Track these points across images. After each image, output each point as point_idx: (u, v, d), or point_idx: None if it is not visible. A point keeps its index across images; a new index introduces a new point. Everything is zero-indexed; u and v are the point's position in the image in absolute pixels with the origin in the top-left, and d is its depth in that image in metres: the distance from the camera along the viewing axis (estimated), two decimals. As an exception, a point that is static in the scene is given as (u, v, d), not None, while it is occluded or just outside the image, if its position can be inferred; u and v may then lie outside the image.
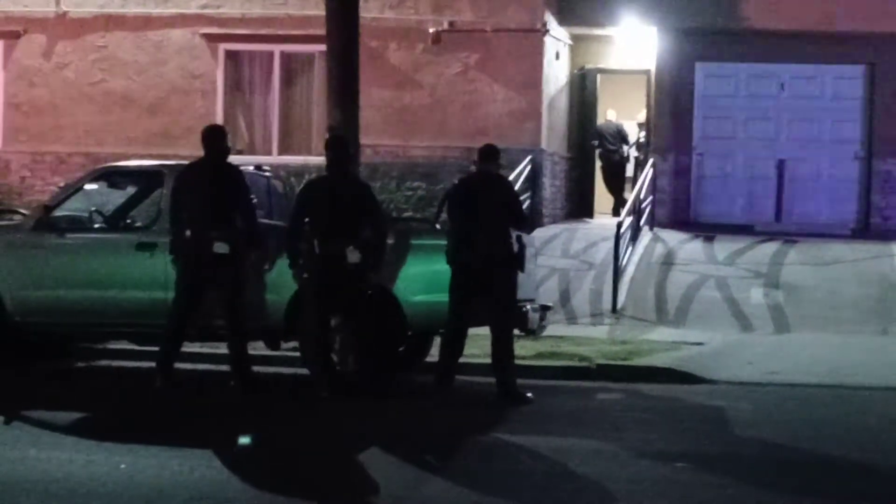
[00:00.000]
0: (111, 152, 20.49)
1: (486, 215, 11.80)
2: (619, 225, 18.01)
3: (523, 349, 13.61)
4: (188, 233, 11.93)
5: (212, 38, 21.78)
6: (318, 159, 12.24)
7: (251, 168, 13.78)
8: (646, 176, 21.15)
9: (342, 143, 12.34)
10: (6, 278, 13.03)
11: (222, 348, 12.64)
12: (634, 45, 23.11)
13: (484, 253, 11.74)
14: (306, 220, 11.90)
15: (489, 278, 11.78)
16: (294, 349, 12.95)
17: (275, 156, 21.29)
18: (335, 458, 9.31)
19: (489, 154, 12.21)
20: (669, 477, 8.72)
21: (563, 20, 22.29)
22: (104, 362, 14.22)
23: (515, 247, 11.94)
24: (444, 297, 11.92)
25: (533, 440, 9.94)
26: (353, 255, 11.70)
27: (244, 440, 8.92)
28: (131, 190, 14.13)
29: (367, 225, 11.84)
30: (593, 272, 18.62)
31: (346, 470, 8.97)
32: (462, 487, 8.32)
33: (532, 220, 18.71)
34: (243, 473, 8.56)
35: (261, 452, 9.43)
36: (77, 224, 13.42)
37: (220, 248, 11.88)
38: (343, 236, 11.70)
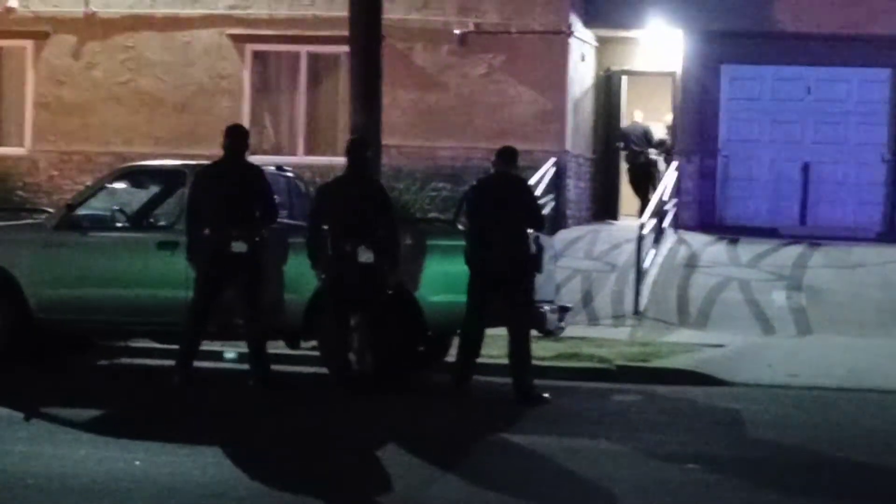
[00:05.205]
0: (139, 152, 20.55)
1: (503, 216, 11.84)
2: (642, 227, 18.01)
3: (543, 350, 13.64)
4: (206, 231, 12.02)
5: (239, 39, 21.87)
6: (344, 160, 12.32)
7: (272, 168, 13.87)
8: (670, 178, 21.12)
9: (361, 145, 12.41)
10: (29, 276, 13.14)
11: (241, 346, 12.73)
12: (660, 47, 23.07)
13: (502, 254, 11.78)
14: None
15: (507, 279, 11.83)
16: (313, 348, 13.01)
17: (301, 156, 21.37)
18: (348, 456, 9.37)
19: (507, 155, 12.25)
20: (680, 478, 8.75)
21: (589, 22, 22.29)
22: (125, 360, 14.31)
23: (533, 248, 12.00)
24: (462, 298, 11.98)
25: (546, 441, 9.99)
26: (365, 255, 11.76)
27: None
28: (153, 189, 14.22)
29: (381, 226, 11.91)
30: (616, 274, 18.61)
31: (358, 468, 9.02)
32: (473, 486, 8.38)
33: (551, 222, 18.68)
34: (256, 471, 8.63)
35: (275, 450, 9.50)
36: (99, 223, 13.51)
37: (239, 247, 11.98)
38: (356, 236, 11.77)
